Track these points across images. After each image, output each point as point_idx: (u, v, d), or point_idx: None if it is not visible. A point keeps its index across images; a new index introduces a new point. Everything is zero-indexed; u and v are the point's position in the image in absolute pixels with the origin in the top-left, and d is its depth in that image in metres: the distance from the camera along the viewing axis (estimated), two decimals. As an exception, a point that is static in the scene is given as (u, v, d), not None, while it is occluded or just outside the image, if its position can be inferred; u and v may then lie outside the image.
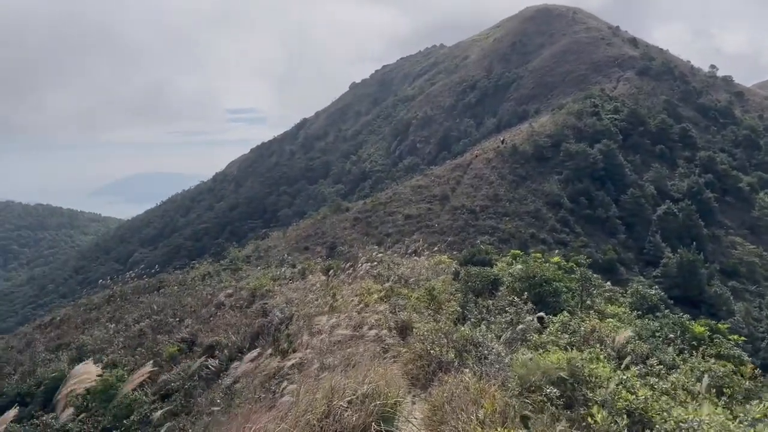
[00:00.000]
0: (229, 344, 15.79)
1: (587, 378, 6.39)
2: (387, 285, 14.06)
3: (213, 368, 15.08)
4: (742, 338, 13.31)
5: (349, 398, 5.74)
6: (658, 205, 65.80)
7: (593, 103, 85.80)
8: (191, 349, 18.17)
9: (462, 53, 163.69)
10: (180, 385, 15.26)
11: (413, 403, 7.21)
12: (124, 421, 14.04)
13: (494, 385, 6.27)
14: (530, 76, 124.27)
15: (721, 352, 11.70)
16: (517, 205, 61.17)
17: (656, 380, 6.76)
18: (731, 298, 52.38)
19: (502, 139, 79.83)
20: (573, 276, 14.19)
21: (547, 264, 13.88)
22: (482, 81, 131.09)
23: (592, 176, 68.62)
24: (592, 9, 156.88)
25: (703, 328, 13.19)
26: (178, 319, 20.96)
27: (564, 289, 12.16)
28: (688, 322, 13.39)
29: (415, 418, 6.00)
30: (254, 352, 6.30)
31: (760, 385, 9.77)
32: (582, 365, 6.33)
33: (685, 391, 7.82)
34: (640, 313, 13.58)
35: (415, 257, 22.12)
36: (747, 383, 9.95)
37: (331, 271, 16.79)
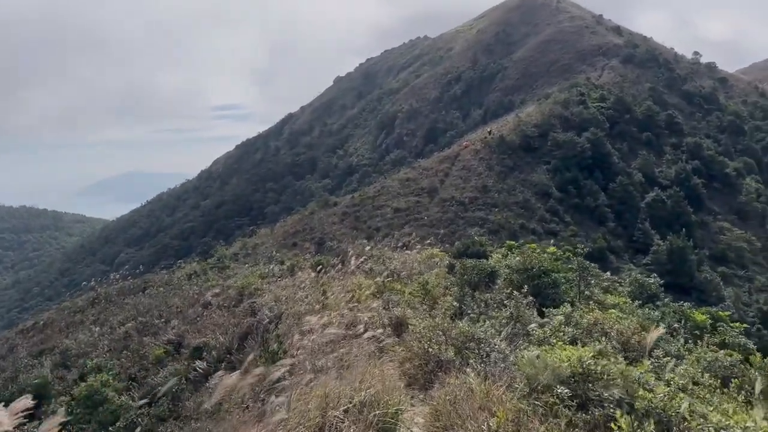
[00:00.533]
0: (217, 345, 15.26)
1: (599, 375, 5.94)
2: (379, 280, 13.58)
3: (201, 370, 14.59)
4: (744, 325, 12.98)
5: (345, 407, 5.26)
6: (647, 193, 65.93)
7: (579, 92, 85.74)
8: (178, 351, 17.63)
9: (446, 45, 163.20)
10: (167, 389, 14.73)
11: (412, 405, 6.75)
12: (110, 428, 13.52)
13: (501, 386, 5.81)
14: (515, 66, 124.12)
15: (726, 341, 11.36)
16: (506, 196, 60.92)
17: (671, 375, 6.34)
18: (721, 283, 52.56)
19: (489, 130, 79.55)
20: (570, 266, 13.81)
21: (545, 254, 13.49)
22: (467, 72, 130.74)
23: (580, 165, 68.53)
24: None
25: (704, 317, 12.86)
26: (164, 320, 20.38)
27: (563, 280, 11.78)
28: (689, 311, 13.06)
29: (418, 426, 5.52)
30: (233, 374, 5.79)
31: (770, 374, 9.40)
32: (595, 362, 5.89)
33: (700, 386, 7.43)
34: (640, 302, 13.23)
35: (407, 251, 21.66)
36: (756, 373, 9.58)
37: (321, 267, 16.28)
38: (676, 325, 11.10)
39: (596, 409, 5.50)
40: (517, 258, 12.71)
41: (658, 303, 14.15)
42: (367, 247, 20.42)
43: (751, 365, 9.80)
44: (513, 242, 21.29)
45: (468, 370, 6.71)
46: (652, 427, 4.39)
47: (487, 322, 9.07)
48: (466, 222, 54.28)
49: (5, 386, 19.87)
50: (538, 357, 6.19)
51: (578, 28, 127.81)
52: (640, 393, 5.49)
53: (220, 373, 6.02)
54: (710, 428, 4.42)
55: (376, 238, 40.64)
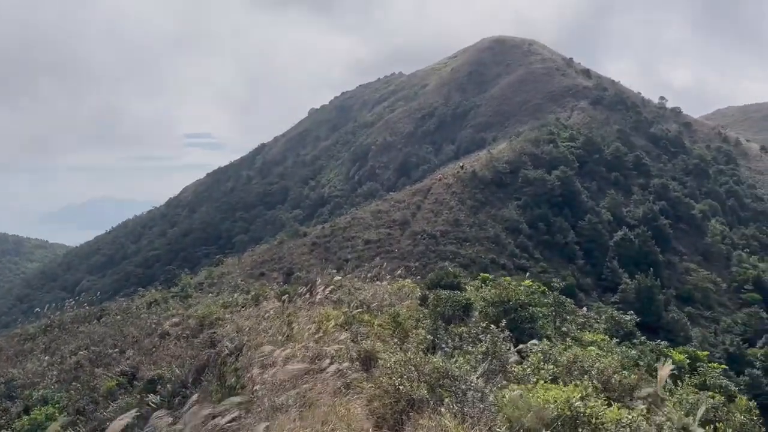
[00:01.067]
0: (173, 378, 14.30)
1: (587, 419, 5.38)
2: (347, 310, 12.90)
3: (154, 405, 13.61)
4: (723, 366, 12.61)
5: (305, 453, 4.59)
6: (615, 231, 66.57)
7: (549, 131, 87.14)
8: (131, 384, 16.57)
9: (420, 81, 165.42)
10: (117, 425, 13.62)
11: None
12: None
13: (481, 430, 5.21)
14: (487, 104, 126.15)
15: (706, 382, 10.93)
16: (477, 230, 60.86)
17: (663, 420, 5.81)
18: (688, 323, 52.86)
19: (461, 164, 80.00)
20: (546, 300, 13.33)
21: (521, 287, 13.01)
22: (440, 109, 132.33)
23: (550, 202, 69.12)
24: (545, 42, 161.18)
25: (682, 356, 12.45)
26: (118, 350, 19.21)
27: (540, 314, 11.28)
28: (666, 350, 12.64)
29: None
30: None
31: (755, 419, 8.97)
32: (584, 404, 5.33)
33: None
34: (617, 340, 12.79)
35: (377, 282, 21.00)
36: (741, 417, 9.13)
37: (287, 297, 15.52)
38: (656, 365, 10.65)
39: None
40: (493, 290, 12.20)
41: (635, 341, 13.75)
42: (336, 277, 19.71)
43: (735, 408, 9.37)
44: (487, 275, 20.81)
45: (443, 410, 6.10)
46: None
47: (462, 357, 8.47)
48: (438, 255, 53.88)
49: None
50: (521, 397, 5.61)
51: (549, 69, 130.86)
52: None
53: (159, 413, 5.28)
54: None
55: (346, 269, 39.85)
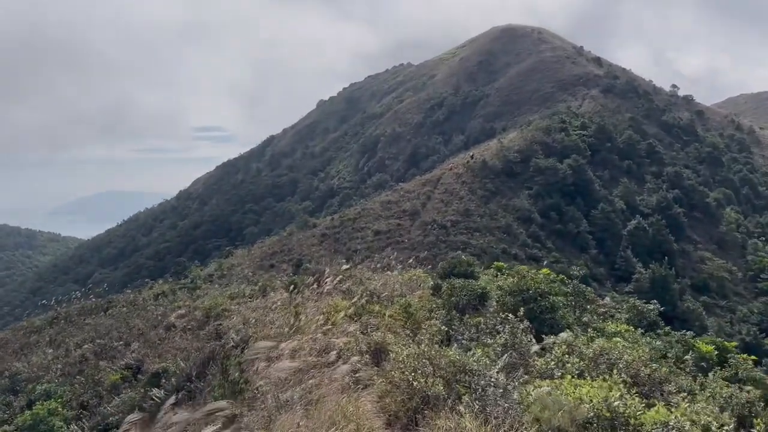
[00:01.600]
0: (177, 371, 13.86)
1: (626, 418, 4.78)
2: (356, 300, 12.35)
3: (158, 399, 13.17)
4: (754, 357, 11.94)
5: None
6: (628, 220, 65.60)
7: (561, 120, 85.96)
8: (136, 377, 16.19)
9: (429, 72, 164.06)
10: (119, 420, 13.22)
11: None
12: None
13: (504, 431, 4.63)
14: (497, 94, 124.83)
15: (738, 374, 10.29)
16: (488, 221, 60.13)
17: (708, 419, 5.21)
18: (704, 313, 51.99)
19: (471, 154, 79.15)
20: (565, 290, 12.71)
21: (540, 276, 12.39)
22: (450, 99, 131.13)
23: (562, 191, 68.18)
24: (555, 30, 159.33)
25: (710, 347, 11.80)
26: (123, 343, 18.87)
27: (561, 303, 10.67)
28: (693, 340, 12.01)
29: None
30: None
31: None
32: (626, 404, 4.73)
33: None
34: (642, 330, 12.16)
35: (387, 272, 20.46)
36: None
37: (294, 288, 14.99)
38: (686, 357, 10.04)
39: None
40: (510, 279, 11.58)
41: (659, 331, 13.10)
42: (345, 266, 19.18)
43: (773, 403, 8.74)
44: (502, 264, 20.18)
45: (461, 408, 5.52)
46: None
47: (480, 350, 7.89)
48: (448, 245, 53.25)
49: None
50: (549, 394, 5.01)
51: (559, 58, 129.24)
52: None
53: (166, 406, 4.79)
54: None
55: (355, 260, 39.38)
